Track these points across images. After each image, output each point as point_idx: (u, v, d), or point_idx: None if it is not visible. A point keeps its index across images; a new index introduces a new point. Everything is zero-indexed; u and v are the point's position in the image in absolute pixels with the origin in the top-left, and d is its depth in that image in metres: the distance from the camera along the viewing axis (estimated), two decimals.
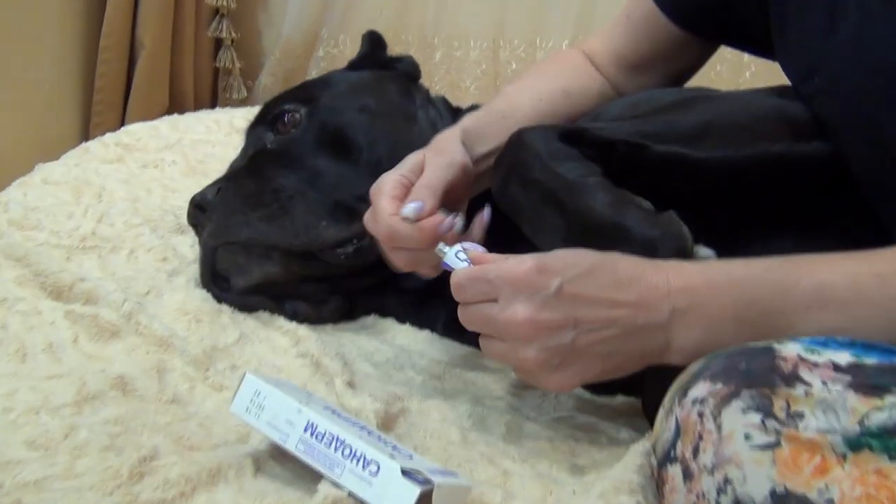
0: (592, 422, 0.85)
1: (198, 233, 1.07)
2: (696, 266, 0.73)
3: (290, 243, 0.99)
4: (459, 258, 0.78)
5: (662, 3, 0.98)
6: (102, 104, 2.07)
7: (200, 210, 1.04)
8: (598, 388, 0.94)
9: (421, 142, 1.10)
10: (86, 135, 2.00)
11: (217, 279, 1.03)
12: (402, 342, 1.03)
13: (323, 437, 0.66)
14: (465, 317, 0.76)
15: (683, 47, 1.01)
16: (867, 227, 0.82)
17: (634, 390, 0.92)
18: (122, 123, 2.00)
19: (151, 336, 0.91)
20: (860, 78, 0.77)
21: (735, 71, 1.97)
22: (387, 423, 0.80)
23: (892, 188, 0.78)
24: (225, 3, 2.14)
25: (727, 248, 0.75)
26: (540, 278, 0.71)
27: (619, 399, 0.91)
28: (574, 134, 0.84)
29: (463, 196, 0.91)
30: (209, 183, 1.10)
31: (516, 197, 0.84)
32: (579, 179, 0.80)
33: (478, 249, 0.79)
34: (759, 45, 0.95)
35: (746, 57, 1.96)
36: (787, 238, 0.83)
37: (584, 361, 0.72)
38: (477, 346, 1.03)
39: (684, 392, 0.63)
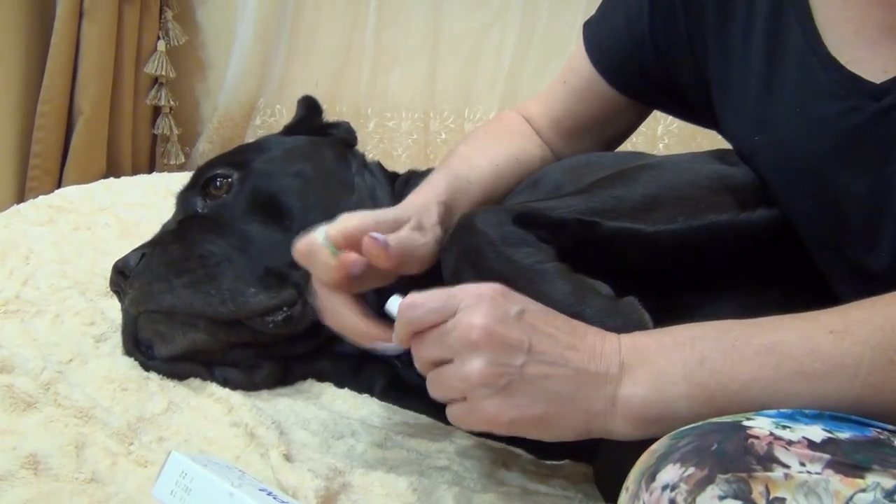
0: (545, 491, 0.75)
1: (120, 299, 0.93)
2: (646, 332, 0.65)
3: (216, 311, 0.87)
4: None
5: (603, 70, 0.92)
6: (39, 169, 1.91)
7: (122, 276, 0.91)
8: (546, 451, 0.84)
9: (359, 210, 1.00)
10: (21, 200, 1.84)
11: (140, 347, 0.90)
12: (341, 408, 0.91)
13: None
14: (418, 348, 0.65)
15: (621, 112, 0.95)
16: (813, 289, 0.75)
17: (583, 456, 0.82)
18: (58, 189, 1.84)
19: (71, 407, 0.78)
20: (802, 132, 0.71)
21: (649, 143, 1.93)
22: (327, 501, 0.68)
23: (835, 240, 0.73)
24: (164, 73, 2.02)
25: (674, 315, 0.67)
26: (503, 300, 0.63)
27: (569, 467, 0.81)
28: (526, 216, 0.75)
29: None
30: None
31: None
32: (536, 266, 0.71)
33: None
34: (694, 111, 0.89)
35: (660, 129, 1.94)
36: (733, 303, 0.75)
37: (527, 395, 0.61)
38: (416, 409, 0.94)
39: (652, 476, 0.53)
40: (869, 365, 0.57)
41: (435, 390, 0.65)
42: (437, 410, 0.91)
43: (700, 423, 0.56)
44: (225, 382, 0.90)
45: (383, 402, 0.94)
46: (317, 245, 0.73)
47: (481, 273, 0.72)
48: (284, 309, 0.89)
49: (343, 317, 0.73)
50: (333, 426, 0.85)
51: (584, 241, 0.74)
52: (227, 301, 0.87)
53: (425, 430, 0.88)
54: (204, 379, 0.90)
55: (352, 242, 0.74)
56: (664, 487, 0.51)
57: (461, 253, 0.74)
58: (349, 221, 0.76)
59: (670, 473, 0.51)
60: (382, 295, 0.72)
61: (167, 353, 0.89)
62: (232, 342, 0.91)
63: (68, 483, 0.68)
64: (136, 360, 0.90)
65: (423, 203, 0.83)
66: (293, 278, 0.91)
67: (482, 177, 0.90)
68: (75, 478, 0.69)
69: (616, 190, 0.78)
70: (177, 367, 0.90)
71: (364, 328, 0.72)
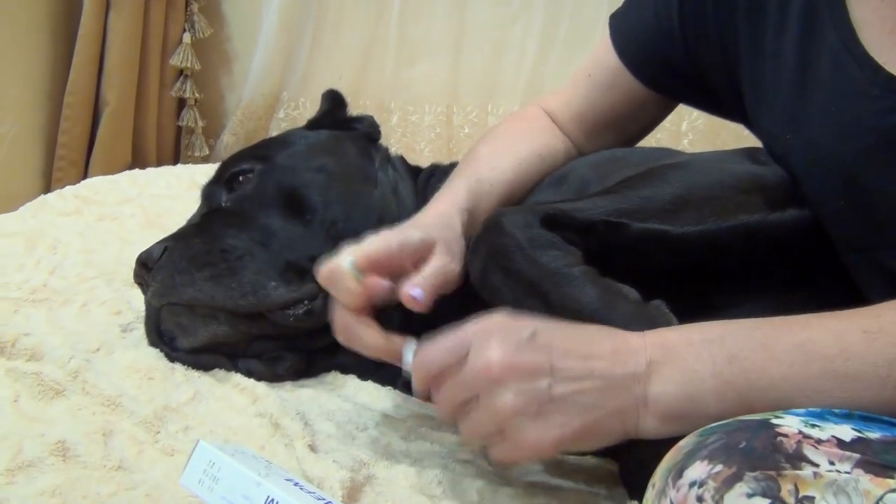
0: (568, 487, 0.75)
1: (143, 291, 0.94)
2: (672, 328, 0.65)
3: (237, 304, 0.87)
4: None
5: (630, 63, 0.91)
6: (65, 160, 1.93)
7: (145, 268, 0.91)
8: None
9: (381, 204, 1.00)
10: (47, 190, 1.86)
11: (164, 338, 0.91)
12: (364, 400, 0.91)
13: None
14: (438, 400, 0.66)
15: (646, 107, 0.94)
16: (843, 289, 0.74)
17: (606, 452, 0.82)
18: (84, 179, 1.86)
19: (98, 395, 0.78)
20: (836, 131, 0.70)
21: (673, 138, 1.92)
22: (352, 493, 0.68)
23: (867, 242, 0.72)
24: (189, 65, 2.04)
25: (701, 315, 0.66)
26: (513, 326, 0.63)
27: (592, 460, 0.81)
28: (554, 218, 0.75)
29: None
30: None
31: (498, 286, 0.73)
32: (564, 270, 0.70)
33: None
34: (722, 106, 0.88)
35: (685, 126, 1.92)
36: (761, 304, 0.74)
37: (563, 413, 0.61)
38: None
39: (679, 472, 0.52)
40: None
41: (469, 434, 0.65)
42: None
43: (728, 420, 0.56)
44: (248, 374, 0.90)
45: (406, 395, 0.94)
46: (340, 270, 0.73)
47: (509, 276, 0.72)
48: (305, 302, 0.89)
49: (365, 338, 0.74)
50: (357, 418, 0.85)
51: (612, 243, 0.74)
52: (248, 294, 0.87)
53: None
54: (227, 370, 0.91)
55: (375, 265, 0.74)
56: (692, 484, 0.51)
57: (488, 255, 0.74)
58: (372, 245, 0.75)
59: (698, 470, 0.51)
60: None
61: (189, 345, 0.90)
62: (254, 335, 0.91)
63: (96, 470, 0.68)
64: (161, 350, 0.91)
65: (445, 214, 0.83)
66: (314, 272, 0.91)
67: (503, 177, 0.90)
68: (103, 465, 0.69)
69: (645, 190, 0.77)
70: (200, 358, 0.91)
71: (388, 345, 0.73)
